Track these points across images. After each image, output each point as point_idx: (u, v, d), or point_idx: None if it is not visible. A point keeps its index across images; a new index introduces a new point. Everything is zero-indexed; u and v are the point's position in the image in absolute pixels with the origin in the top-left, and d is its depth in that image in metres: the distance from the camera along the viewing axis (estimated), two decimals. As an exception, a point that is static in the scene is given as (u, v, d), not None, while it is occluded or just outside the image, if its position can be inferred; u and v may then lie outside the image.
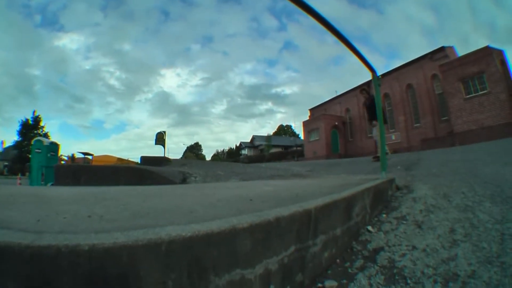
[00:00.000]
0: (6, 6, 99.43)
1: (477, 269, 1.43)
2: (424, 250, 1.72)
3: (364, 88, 9.31)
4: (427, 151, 14.26)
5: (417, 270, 1.47)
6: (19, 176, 21.49)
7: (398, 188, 3.34)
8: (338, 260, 1.64)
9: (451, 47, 28.18)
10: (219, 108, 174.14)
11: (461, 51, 27.59)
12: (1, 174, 42.11)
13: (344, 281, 1.43)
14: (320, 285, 1.37)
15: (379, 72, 4.17)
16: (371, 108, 8.77)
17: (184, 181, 4.51)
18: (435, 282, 1.35)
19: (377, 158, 8.37)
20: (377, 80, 3.99)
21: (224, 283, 0.96)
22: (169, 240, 0.88)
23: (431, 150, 14.15)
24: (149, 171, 4.27)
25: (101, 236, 0.88)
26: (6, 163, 46.53)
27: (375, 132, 8.78)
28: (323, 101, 46.23)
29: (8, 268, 0.80)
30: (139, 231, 0.93)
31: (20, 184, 16.34)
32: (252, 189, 2.85)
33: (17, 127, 55.86)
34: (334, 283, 1.39)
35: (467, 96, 23.07)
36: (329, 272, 1.51)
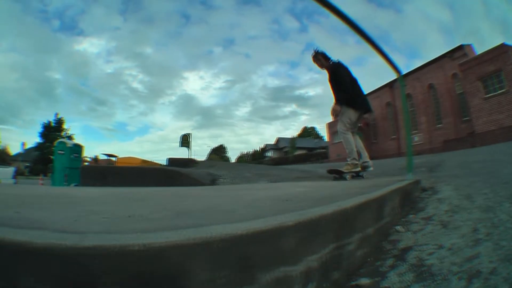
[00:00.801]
0: (22, 11, 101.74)
1: (497, 266, 1.45)
2: (450, 248, 1.73)
3: (317, 50, 5.69)
4: (449, 152, 14.10)
5: (444, 268, 1.49)
6: (41, 176, 21.92)
7: (423, 190, 3.34)
8: (369, 259, 1.66)
9: (469, 45, 27.58)
10: (243, 110, 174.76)
11: (478, 49, 26.96)
12: (22, 175, 43.09)
13: (377, 278, 1.45)
14: (353, 283, 1.39)
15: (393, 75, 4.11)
16: (334, 82, 5.58)
17: (213, 182, 4.56)
18: (460, 278, 1.36)
19: (335, 172, 5.32)
20: (402, 80, 3.95)
21: (269, 280, 0.98)
22: (220, 238, 0.90)
23: (452, 152, 13.99)
24: (178, 173, 4.30)
25: (150, 236, 0.88)
26: (28, 164, 47.56)
27: (341, 127, 5.39)
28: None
29: (48, 270, 0.79)
30: (189, 230, 0.95)
31: (42, 184, 16.71)
32: (284, 190, 2.90)
33: (38, 129, 57.48)
34: (367, 281, 1.41)
35: (487, 96, 22.59)
36: (361, 270, 1.53)
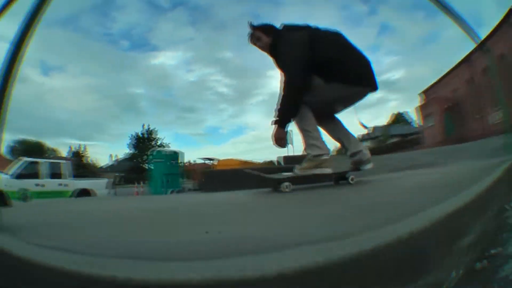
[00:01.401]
0: (83, 37, 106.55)
1: None
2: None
3: (252, 25, 3.42)
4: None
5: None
6: (136, 185, 23.10)
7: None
8: (494, 231, 2.05)
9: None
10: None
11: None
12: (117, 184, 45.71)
13: (503, 247, 1.65)
14: (487, 253, 1.54)
15: (471, 45, 3.97)
16: (280, 65, 3.40)
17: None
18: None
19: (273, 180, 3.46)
20: (485, 45, 3.87)
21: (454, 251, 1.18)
22: (441, 220, 1.13)
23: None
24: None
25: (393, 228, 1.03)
26: (122, 174, 50.34)
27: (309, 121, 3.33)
28: (430, 83, 42.61)
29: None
30: (413, 217, 1.15)
31: (140, 193, 17.60)
32: (419, 177, 3.21)
33: (125, 141, 61.83)
34: (498, 250, 1.59)
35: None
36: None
